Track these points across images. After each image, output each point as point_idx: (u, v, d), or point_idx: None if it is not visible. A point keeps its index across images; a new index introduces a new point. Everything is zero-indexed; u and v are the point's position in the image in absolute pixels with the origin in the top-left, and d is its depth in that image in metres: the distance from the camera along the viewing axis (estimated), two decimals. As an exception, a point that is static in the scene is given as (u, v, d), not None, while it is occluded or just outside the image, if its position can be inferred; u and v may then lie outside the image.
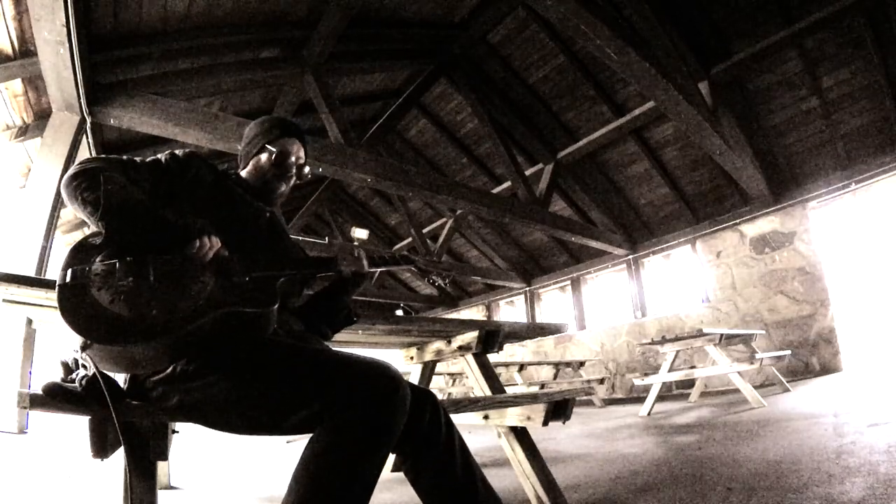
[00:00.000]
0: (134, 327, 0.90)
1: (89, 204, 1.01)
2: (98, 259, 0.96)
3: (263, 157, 1.37)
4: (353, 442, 0.91)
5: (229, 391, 1.00)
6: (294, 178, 1.42)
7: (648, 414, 4.52)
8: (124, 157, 1.20)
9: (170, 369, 1.02)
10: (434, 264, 1.61)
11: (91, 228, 1.05)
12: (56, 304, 0.90)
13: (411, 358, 2.34)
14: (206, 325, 0.98)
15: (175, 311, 0.94)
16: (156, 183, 1.19)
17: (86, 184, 1.03)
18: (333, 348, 1.32)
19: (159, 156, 1.26)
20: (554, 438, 3.61)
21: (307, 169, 1.45)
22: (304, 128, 1.49)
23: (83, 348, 0.94)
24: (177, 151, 1.28)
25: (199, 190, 1.24)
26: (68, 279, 0.91)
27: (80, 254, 0.97)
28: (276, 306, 1.08)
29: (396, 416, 0.96)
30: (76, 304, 0.90)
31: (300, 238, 7.63)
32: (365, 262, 1.34)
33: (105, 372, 1.00)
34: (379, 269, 1.41)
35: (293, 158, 1.39)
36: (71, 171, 1.08)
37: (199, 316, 0.96)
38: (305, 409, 0.96)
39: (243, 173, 1.41)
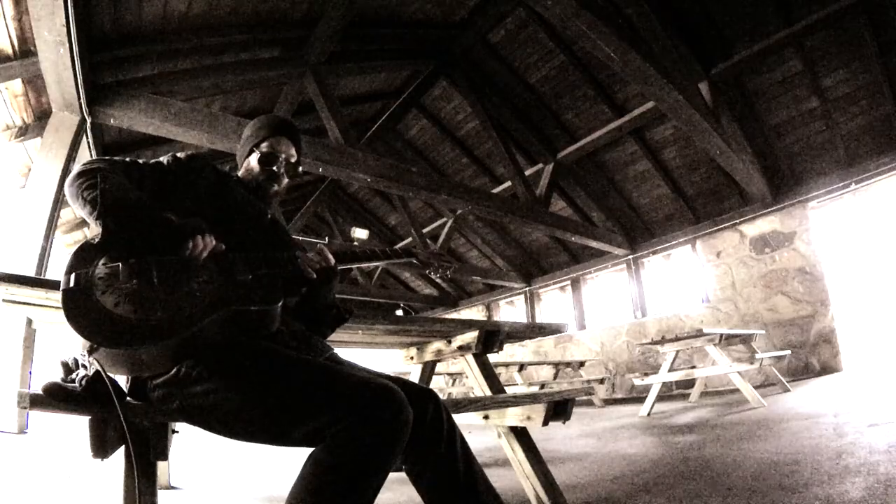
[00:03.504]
0: (140, 329, 0.90)
1: (89, 203, 1.02)
2: (101, 262, 0.96)
3: (252, 158, 1.36)
4: (355, 463, 0.91)
5: (232, 400, 0.99)
6: (286, 178, 1.39)
7: (648, 414, 4.52)
8: (128, 158, 1.20)
9: (173, 371, 1.01)
10: (435, 256, 1.56)
11: (92, 231, 1.05)
12: (59, 305, 0.90)
13: (411, 358, 2.34)
14: (211, 324, 0.98)
15: (180, 312, 0.95)
16: (159, 184, 1.20)
17: (87, 183, 1.04)
18: (338, 355, 1.31)
19: (161, 158, 1.27)
20: (554, 438, 3.61)
21: (301, 167, 1.41)
22: (300, 126, 1.48)
23: (90, 352, 0.94)
24: (179, 154, 1.29)
25: (201, 191, 1.24)
26: (72, 283, 0.92)
27: (83, 256, 0.97)
28: (280, 303, 1.09)
29: (399, 441, 0.95)
30: (81, 308, 0.90)
31: (300, 238, 7.62)
32: (329, 258, 1.26)
33: (109, 374, 1.00)
34: (355, 265, 1.36)
35: (282, 158, 1.37)
36: (74, 170, 1.09)
37: (204, 315, 0.96)
38: (308, 426, 0.95)
39: (240, 174, 1.41)
